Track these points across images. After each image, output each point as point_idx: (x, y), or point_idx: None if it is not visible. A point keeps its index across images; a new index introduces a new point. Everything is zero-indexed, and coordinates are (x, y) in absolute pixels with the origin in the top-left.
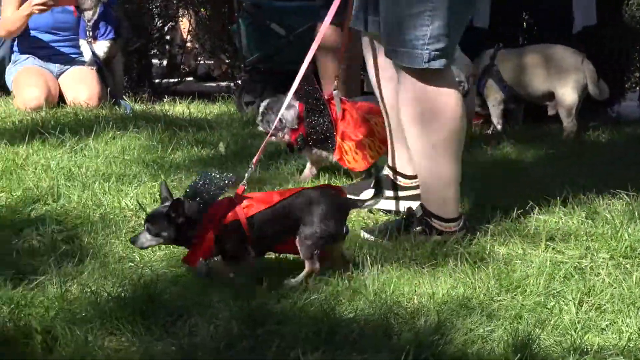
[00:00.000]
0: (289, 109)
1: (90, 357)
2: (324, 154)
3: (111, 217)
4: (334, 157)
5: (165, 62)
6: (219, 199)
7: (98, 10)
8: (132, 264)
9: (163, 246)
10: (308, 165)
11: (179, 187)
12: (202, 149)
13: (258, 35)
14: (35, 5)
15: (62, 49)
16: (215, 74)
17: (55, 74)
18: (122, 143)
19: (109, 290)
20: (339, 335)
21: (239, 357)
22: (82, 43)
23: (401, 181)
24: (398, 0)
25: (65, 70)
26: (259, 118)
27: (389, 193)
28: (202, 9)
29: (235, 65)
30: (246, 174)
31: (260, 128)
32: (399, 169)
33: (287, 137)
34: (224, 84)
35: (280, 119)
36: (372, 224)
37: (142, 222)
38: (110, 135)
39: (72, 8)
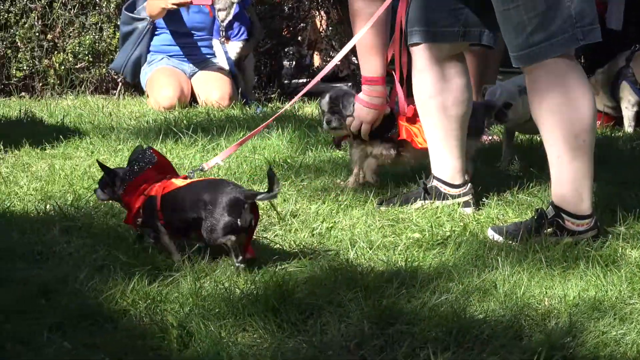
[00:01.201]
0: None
1: (224, 353)
2: (385, 149)
3: None
4: (401, 136)
5: (294, 63)
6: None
7: (232, 10)
8: (263, 262)
9: (296, 249)
10: (360, 172)
11: (309, 187)
12: (332, 149)
13: None
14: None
15: (196, 50)
16: (343, 75)
17: (188, 75)
18: (252, 143)
19: (242, 287)
20: (469, 335)
21: (369, 356)
22: (215, 43)
23: (451, 191)
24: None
25: (198, 71)
26: (328, 115)
27: (438, 203)
28: (333, 10)
29: None
30: (204, 165)
31: (333, 124)
32: (447, 179)
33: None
34: (351, 84)
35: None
36: (500, 223)
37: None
38: (241, 135)
39: (207, 9)
